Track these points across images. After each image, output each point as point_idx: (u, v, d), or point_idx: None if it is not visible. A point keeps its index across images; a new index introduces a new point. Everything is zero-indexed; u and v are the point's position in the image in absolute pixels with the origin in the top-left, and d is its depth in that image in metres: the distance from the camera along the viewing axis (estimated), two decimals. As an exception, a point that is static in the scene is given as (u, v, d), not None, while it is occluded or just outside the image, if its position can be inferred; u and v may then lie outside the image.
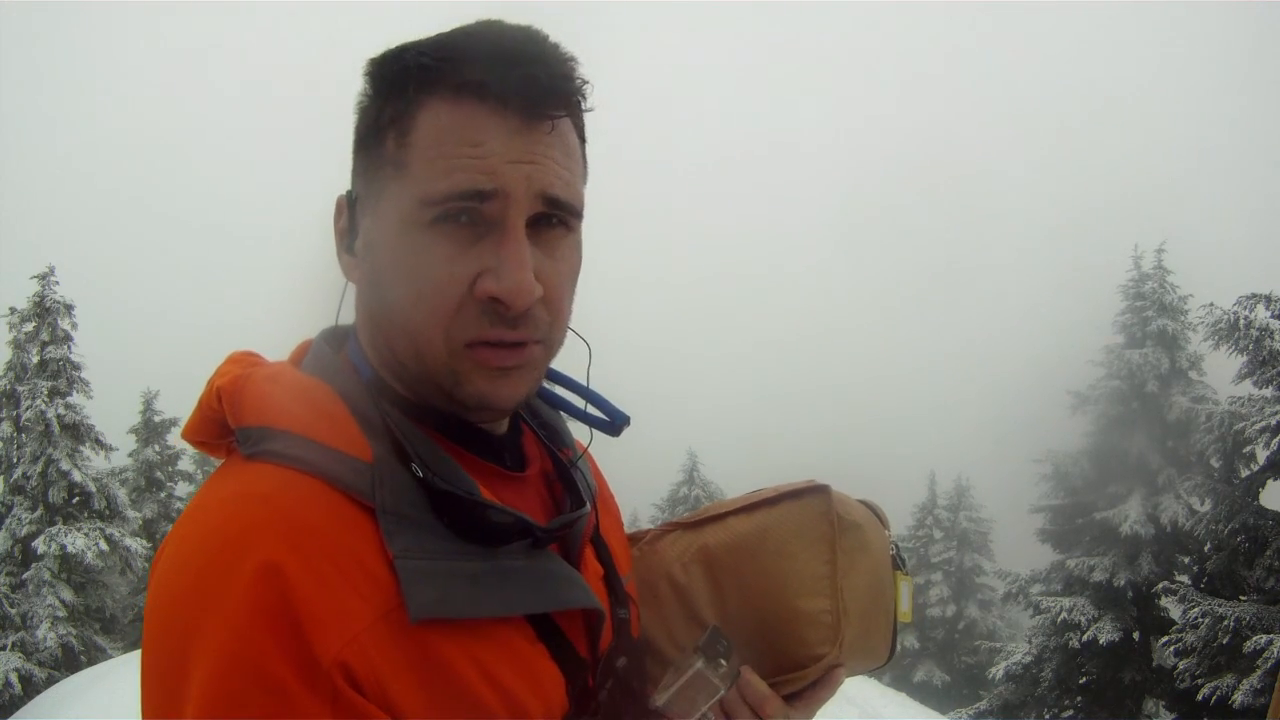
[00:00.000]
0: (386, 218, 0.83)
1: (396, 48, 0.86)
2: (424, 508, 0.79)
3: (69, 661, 15.68)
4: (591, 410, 1.06)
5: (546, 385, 1.09)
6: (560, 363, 0.97)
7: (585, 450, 1.06)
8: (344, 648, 0.70)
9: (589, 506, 0.97)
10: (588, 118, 0.90)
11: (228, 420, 0.83)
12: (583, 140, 0.90)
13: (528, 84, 0.81)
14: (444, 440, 0.87)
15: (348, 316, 0.95)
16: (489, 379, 0.84)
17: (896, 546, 1.21)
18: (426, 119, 0.81)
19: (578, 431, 1.08)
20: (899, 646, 1.23)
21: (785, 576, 1.08)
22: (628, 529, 1.22)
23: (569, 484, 0.99)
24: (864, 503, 1.21)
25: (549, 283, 0.84)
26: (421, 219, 0.81)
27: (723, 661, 0.97)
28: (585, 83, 0.85)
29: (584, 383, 1.05)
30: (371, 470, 0.78)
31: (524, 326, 0.83)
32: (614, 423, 1.05)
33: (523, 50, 0.82)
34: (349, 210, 0.89)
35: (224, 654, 0.69)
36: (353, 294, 0.92)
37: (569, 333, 0.92)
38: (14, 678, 14.63)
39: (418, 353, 0.84)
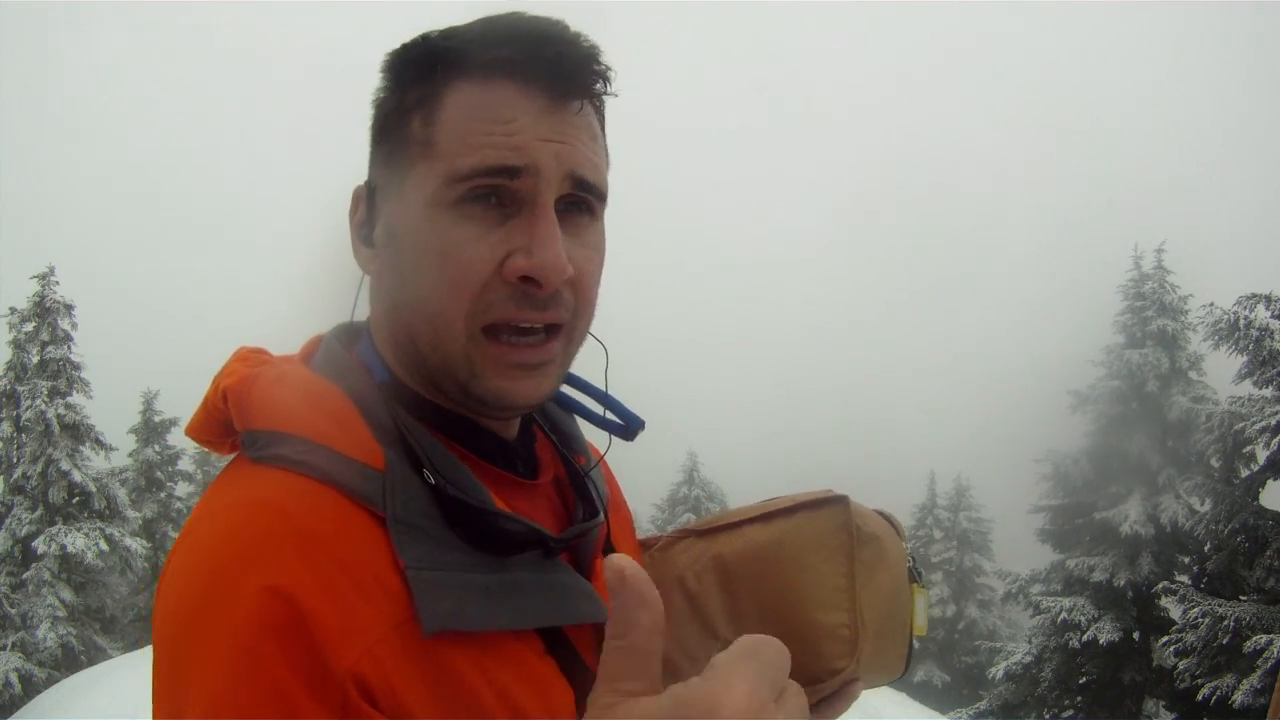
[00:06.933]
0: (411, 199, 0.82)
1: (419, 36, 0.86)
2: (435, 516, 0.77)
3: (69, 661, 15.68)
4: (606, 413, 1.04)
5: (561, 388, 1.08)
6: (574, 366, 0.95)
7: (601, 458, 1.04)
8: (359, 658, 0.69)
9: (602, 515, 0.95)
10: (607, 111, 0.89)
11: (234, 422, 0.81)
12: (603, 130, 0.90)
13: (558, 63, 0.81)
14: (456, 446, 0.86)
15: (362, 312, 0.93)
16: (509, 376, 0.83)
17: (913, 559, 1.19)
18: (454, 99, 0.81)
19: (591, 435, 1.06)
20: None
21: (802, 589, 1.06)
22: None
23: (582, 492, 0.97)
24: (880, 513, 1.18)
25: (578, 267, 0.83)
26: (449, 198, 0.80)
27: None
28: (610, 69, 0.85)
29: (601, 387, 1.02)
30: (383, 478, 0.77)
31: (552, 308, 0.82)
32: (629, 427, 1.03)
33: (550, 33, 0.83)
34: (367, 201, 0.88)
35: (228, 666, 0.67)
36: (367, 289, 0.91)
37: (588, 334, 0.90)
38: (14, 678, 14.65)
39: (437, 339, 0.82)
